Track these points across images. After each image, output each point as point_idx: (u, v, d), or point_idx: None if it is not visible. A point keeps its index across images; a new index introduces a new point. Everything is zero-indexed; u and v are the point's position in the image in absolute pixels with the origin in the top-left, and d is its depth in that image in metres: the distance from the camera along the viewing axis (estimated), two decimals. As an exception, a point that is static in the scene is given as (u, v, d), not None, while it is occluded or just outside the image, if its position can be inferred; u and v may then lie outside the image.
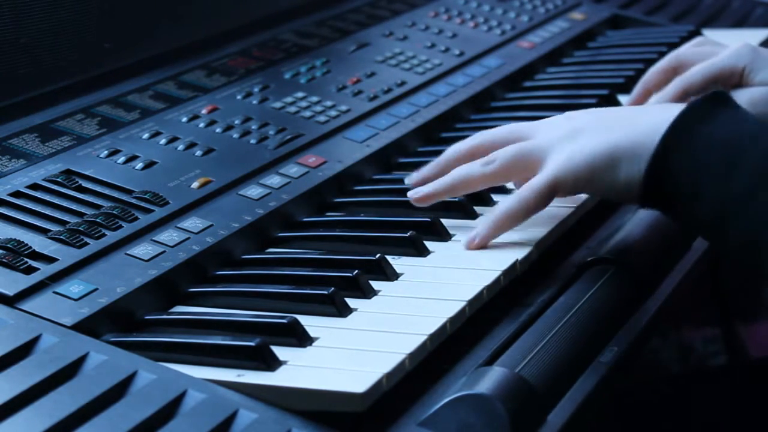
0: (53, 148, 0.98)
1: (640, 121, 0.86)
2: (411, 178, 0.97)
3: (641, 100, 1.20)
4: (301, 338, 0.74)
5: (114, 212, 0.88)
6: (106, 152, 0.98)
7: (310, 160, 1.03)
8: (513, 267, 0.86)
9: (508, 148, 0.91)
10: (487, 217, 0.89)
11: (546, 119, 0.95)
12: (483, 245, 0.89)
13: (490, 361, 0.76)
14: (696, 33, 1.49)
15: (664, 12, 1.64)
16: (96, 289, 0.79)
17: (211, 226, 0.89)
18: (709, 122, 0.83)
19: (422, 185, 0.95)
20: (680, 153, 0.82)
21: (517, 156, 0.91)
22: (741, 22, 1.63)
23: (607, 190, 0.88)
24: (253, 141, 1.04)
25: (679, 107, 0.85)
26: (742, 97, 1.14)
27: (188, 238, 0.87)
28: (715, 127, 0.82)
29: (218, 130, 1.05)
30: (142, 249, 0.84)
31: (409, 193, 0.94)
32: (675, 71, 1.19)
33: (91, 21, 1.14)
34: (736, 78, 1.16)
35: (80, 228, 0.85)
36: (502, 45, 1.41)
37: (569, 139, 0.89)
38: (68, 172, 0.94)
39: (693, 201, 0.82)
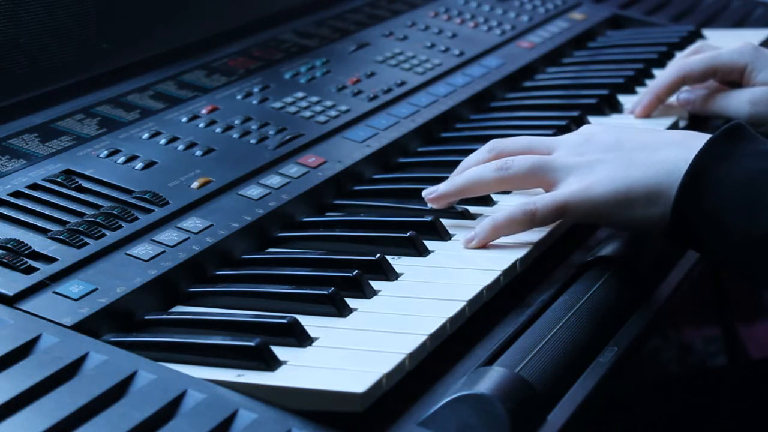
0: (53, 148, 0.98)
1: (658, 158, 0.86)
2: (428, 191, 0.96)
3: (651, 109, 1.20)
4: (301, 338, 0.74)
5: (114, 212, 0.88)
6: (106, 152, 0.98)
7: (310, 160, 1.03)
8: (513, 267, 0.86)
9: (526, 158, 0.91)
10: (489, 220, 0.89)
11: (565, 137, 0.94)
12: (480, 247, 0.89)
13: (490, 361, 0.76)
14: (696, 33, 1.49)
15: (664, 12, 1.64)
16: (96, 289, 0.79)
17: (211, 226, 0.89)
18: (728, 159, 0.82)
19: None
20: (701, 197, 0.82)
21: (534, 168, 0.90)
22: (741, 22, 1.63)
23: (622, 226, 0.90)
24: (253, 141, 1.04)
25: (698, 142, 0.84)
26: (744, 96, 1.15)
27: (188, 238, 0.87)
28: (735, 165, 0.82)
29: (218, 130, 1.05)
30: (142, 249, 0.84)
31: (424, 193, 0.94)
32: (684, 81, 1.19)
33: (91, 21, 1.14)
34: (735, 75, 1.17)
35: (80, 228, 0.85)
36: (502, 45, 1.41)
37: (587, 168, 0.88)
38: (68, 172, 0.94)
39: (719, 242, 0.82)
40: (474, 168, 0.93)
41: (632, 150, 0.88)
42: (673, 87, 1.19)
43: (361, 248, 0.89)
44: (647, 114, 1.20)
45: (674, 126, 1.18)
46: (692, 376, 1.71)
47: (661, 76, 1.21)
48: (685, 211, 0.83)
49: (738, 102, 1.15)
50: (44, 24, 1.09)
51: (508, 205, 0.98)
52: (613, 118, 1.22)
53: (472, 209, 0.97)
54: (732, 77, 1.17)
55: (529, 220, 0.88)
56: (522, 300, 0.86)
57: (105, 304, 0.77)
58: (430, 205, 0.95)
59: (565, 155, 0.91)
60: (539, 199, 0.88)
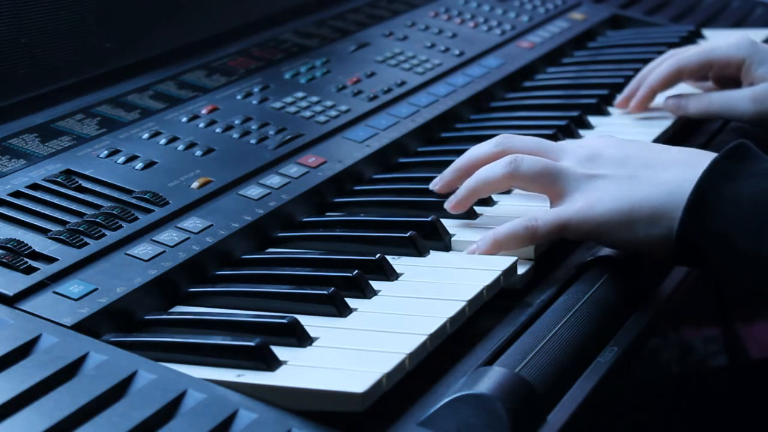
0: (53, 148, 0.98)
1: (662, 178, 0.85)
2: (434, 182, 0.97)
3: (646, 103, 1.19)
4: (301, 338, 0.74)
5: (114, 212, 0.88)
6: (106, 152, 0.98)
7: (310, 160, 1.03)
8: (513, 267, 0.86)
9: (537, 159, 0.90)
10: (491, 234, 0.88)
11: (573, 147, 0.93)
12: None
13: (490, 361, 0.76)
14: (696, 33, 1.49)
15: (664, 12, 1.64)
16: (96, 289, 0.79)
17: (211, 226, 0.89)
18: (734, 180, 0.82)
19: (445, 189, 0.95)
20: (708, 217, 0.82)
21: (544, 172, 0.90)
22: (741, 22, 1.64)
23: (624, 246, 0.89)
24: (253, 141, 1.04)
25: (704, 161, 0.84)
26: (745, 95, 1.14)
27: (188, 238, 0.87)
28: (741, 185, 0.82)
29: (218, 130, 1.05)
30: (142, 249, 0.84)
31: (445, 205, 0.94)
32: (679, 74, 1.19)
33: (91, 21, 1.14)
34: (732, 69, 1.16)
35: (80, 228, 0.85)
36: (502, 45, 1.41)
37: (593, 184, 0.88)
38: (68, 172, 0.94)
39: (728, 262, 0.82)
40: (483, 168, 0.92)
41: (638, 168, 0.87)
42: (669, 81, 1.19)
43: (361, 248, 0.89)
44: (643, 108, 1.20)
45: (675, 126, 1.18)
46: (692, 376, 1.71)
47: (657, 70, 1.20)
48: (691, 231, 0.82)
49: (740, 101, 1.13)
50: (45, 24, 1.09)
51: (507, 205, 0.98)
52: (613, 118, 1.22)
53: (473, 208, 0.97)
54: (728, 71, 1.17)
55: (530, 236, 0.88)
56: (522, 300, 0.86)
57: (105, 304, 0.77)
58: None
59: (573, 166, 0.90)
60: (542, 215, 0.88)
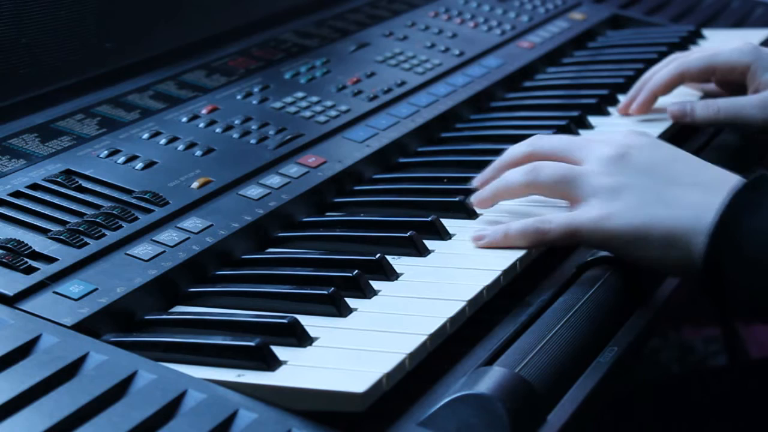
0: (53, 148, 0.98)
1: (684, 201, 0.84)
2: (476, 179, 0.97)
3: (647, 107, 1.19)
4: (301, 338, 0.74)
5: (114, 212, 0.88)
6: (106, 152, 0.98)
7: (310, 160, 1.03)
8: (513, 267, 0.86)
9: (556, 167, 0.90)
10: (503, 227, 0.88)
11: (600, 147, 0.90)
12: (486, 248, 0.89)
13: (490, 361, 0.76)
14: (696, 33, 1.49)
15: (664, 12, 1.64)
16: (96, 289, 0.79)
17: (211, 226, 0.89)
18: (757, 212, 0.81)
19: (483, 186, 0.95)
20: (737, 247, 0.81)
21: (561, 180, 0.89)
22: (741, 22, 1.63)
23: (636, 261, 0.88)
24: (253, 141, 1.04)
25: (728, 186, 0.83)
26: (753, 102, 1.13)
27: (188, 238, 0.87)
28: (764, 218, 0.81)
29: (218, 130, 1.06)
30: (142, 249, 0.84)
31: (471, 199, 0.94)
32: (681, 78, 1.18)
33: (91, 21, 1.14)
34: (736, 74, 1.16)
35: (80, 228, 0.85)
36: (502, 45, 1.41)
37: (612, 193, 0.86)
38: (68, 172, 0.94)
39: (748, 295, 0.82)
40: (507, 172, 0.92)
41: (662, 182, 0.86)
42: (671, 85, 1.19)
43: (361, 248, 0.89)
44: (644, 111, 1.19)
45: (675, 126, 1.18)
46: (692, 376, 1.71)
47: (659, 74, 1.19)
48: (720, 261, 0.81)
49: (749, 109, 1.11)
50: (45, 24, 1.09)
51: (508, 205, 0.98)
52: (614, 118, 1.22)
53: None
54: (732, 77, 1.16)
55: (540, 238, 0.87)
56: (522, 300, 0.86)
57: (105, 304, 0.77)
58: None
59: (594, 171, 0.88)
60: (555, 218, 0.87)
